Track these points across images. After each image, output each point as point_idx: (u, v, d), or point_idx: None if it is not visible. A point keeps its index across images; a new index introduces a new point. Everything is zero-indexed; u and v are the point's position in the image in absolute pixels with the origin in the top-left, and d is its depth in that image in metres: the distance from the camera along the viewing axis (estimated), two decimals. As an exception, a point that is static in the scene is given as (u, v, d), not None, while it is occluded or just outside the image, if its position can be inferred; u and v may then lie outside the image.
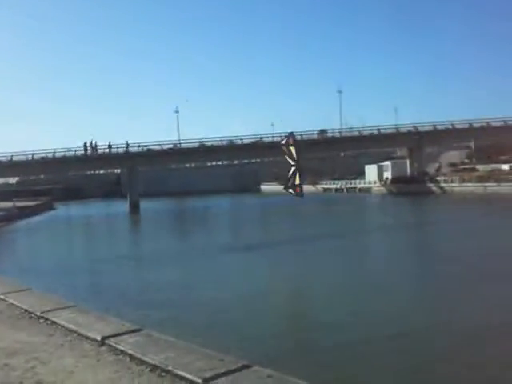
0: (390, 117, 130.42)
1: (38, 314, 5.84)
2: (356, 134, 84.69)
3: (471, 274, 19.01)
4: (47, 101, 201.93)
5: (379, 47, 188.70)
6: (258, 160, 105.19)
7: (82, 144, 75.89)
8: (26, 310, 6.11)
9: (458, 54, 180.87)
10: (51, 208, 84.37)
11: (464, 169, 78.80)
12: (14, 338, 5.13)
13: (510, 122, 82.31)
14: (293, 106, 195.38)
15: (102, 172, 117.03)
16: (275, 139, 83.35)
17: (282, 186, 34.71)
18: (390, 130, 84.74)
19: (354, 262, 24.02)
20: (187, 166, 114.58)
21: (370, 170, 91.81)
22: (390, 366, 10.59)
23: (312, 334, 13.67)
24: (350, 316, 14.44)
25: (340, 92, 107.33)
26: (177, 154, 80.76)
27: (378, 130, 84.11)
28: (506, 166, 72.27)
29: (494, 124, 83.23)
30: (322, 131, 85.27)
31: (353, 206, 63.85)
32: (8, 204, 65.37)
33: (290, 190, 30.00)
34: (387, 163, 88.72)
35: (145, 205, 75.09)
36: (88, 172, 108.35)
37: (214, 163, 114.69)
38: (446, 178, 74.79)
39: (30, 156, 73.54)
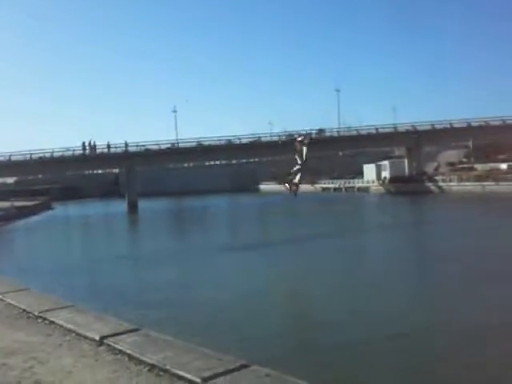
0: (388, 116, 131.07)
1: (36, 313, 5.83)
2: (354, 133, 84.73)
3: (470, 274, 19.00)
4: (47, 100, 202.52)
5: (378, 47, 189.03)
6: (257, 159, 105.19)
7: (81, 144, 76.12)
8: (24, 310, 6.10)
9: (457, 53, 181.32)
10: (49, 208, 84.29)
11: (462, 168, 78.88)
12: (12, 337, 5.12)
13: (508, 121, 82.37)
14: (291, 106, 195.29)
15: (100, 172, 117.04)
16: (273, 139, 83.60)
17: (282, 183, 34.94)
18: (388, 130, 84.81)
19: (352, 261, 24.03)
20: (185, 165, 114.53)
21: (369, 170, 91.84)
22: (390, 366, 10.58)
23: (311, 334, 13.68)
24: (349, 315, 14.44)
25: (338, 91, 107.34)
26: (175, 153, 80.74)
27: (376, 129, 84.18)
28: (504, 166, 72.35)
29: (492, 123, 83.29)
30: (320, 130, 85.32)
31: (351, 206, 63.88)
32: (6, 204, 65.27)
33: (286, 185, 30.12)
34: (385, 162, 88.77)
35: (143, 204, 75.08)
36: (86, 172, 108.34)
37: (212, 163, 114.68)
38: (445, 178, 74.84)
39: (28, 156, 73.52)
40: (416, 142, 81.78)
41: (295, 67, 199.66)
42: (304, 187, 78.94)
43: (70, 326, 5.21)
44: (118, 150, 77.54)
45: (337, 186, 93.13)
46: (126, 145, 77.51)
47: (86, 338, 4.85)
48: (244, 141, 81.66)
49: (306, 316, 16.21)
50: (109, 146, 77.23)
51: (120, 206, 76.16)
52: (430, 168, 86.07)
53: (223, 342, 10.24)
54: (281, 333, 13.37)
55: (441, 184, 73.18)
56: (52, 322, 5.47)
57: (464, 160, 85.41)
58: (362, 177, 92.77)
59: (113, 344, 4.52)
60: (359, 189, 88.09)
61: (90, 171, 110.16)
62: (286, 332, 13.76)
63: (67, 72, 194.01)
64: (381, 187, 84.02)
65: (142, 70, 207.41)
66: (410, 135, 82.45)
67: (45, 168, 78.43)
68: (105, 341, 4.63)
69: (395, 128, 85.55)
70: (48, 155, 74.45)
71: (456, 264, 20.86)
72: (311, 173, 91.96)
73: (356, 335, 12.54)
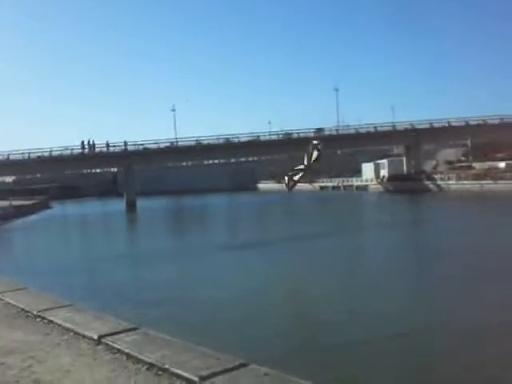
0: (387, 115, 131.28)
1: (35, 312, 5.83)
2: (353, 131, 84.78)
3: (470, 272, 19.00)
4: (47, 100, 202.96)
5: (377, 46, 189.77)
6: (255, 158, 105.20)
7: (80, 143, 76.04)
8: (22, 309, 6.10)
9: (456, 53, 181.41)
10: (47, 207, 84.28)
11: (460, 166, 78.91)
12: (11, 336, 5.12)
13: (506, 120, 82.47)
14: (291, 105, 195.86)
15: (98, 171, 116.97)
16: (272, 138, 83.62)
17: (283, 177, 35.26)
18: (386, 128, 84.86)
19: (351, 260, 24.02)
20: (184, 164, 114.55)
21: (367, 168, 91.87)
22: (390, 366, 10.56)
23: (311, 333, 13.68)
24: (348, 315, 14.43)
25: (337, 90, 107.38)
26: (173, 152, 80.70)
27: (375, 127, 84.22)
28: (502, 164, 72.36)
29: (490, 122, 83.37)
30: (319, 129, 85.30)
31: (349, 204, 63.88)
32: (4, 203, 65.25)
33: (285, 179, 30.31)
34: (384, 161, 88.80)
35: (142, 203, 75.06)
36: (84, 171, 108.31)
37: (210, 162, 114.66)
38: (443, 176, 74.89)
39: (27, 155, 73.45)
40: (414, 140, 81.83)
41: (294, 67, 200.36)
42: (302, 186, 79.38)
43: (68, 325, 5.21)
44: (117, 149, 77.52)
45: (335, 184, 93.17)
46: (125, 144, 77.48)
47: (84, 337, 4.85)
48: (243, 140, 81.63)
49: (305, 315, 16.21)
50: (108, 145, 77.21)
51: (118, 205, 76.10)
52: (428, 166, 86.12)
53: (221, 341, 10.24)
54: (279, 332, 13.36)
55: (439, 182, 73.22)
56: (50, 321, 5.47)
57: (462, 158, 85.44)
58: (361, 175, 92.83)
59: (111, 343, 4.52)
60: (358, 187, 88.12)
61: (89, 170, 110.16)
62: (284, 331, 13.74)
63: (67, 72, 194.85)
64: (379, 186, 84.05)
65: (141, 69, 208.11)
66: (408, 134, 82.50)
67: (43, 167, 78.33)
68: (103, 340, 4.63)
69: (394, 127, 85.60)
70: (46, 154, 74.39)
71: (455, 263, 20.89)
72: (309, 171, 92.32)
73: (355, 335, 12.52)
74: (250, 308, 15.77)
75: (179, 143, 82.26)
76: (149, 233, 44.35)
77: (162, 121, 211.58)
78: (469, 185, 66.43)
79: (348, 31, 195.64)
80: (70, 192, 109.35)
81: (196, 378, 3.52)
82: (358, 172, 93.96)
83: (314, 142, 31.94)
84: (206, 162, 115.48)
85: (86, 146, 75.51)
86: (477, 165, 75.58)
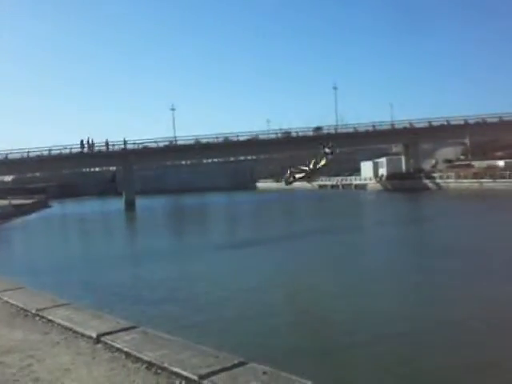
0: (386, 114, 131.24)
1: (34, 311, 5.82)
2: (351, 130, 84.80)
3: (469, 272, 19.03)
4: (46, 100, 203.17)
5: (376, 45, 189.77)
6: (254, 157, 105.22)
7: (79, 142, 75.99)
8: (20, 308, 6.09)
9: (456, 52, 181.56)
10: (46, 206, 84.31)
11: (459, 165, 78.98)
12: (10, 335, 5.12)
13: (505, 119, 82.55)
14: (289, 103, 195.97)
15: (97, 170, 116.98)
16: (271, 136, 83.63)
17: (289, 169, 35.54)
18: (385, 127, 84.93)
19: (350, 259, 23.99)
20: (183, 163, 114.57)
21: (366, 167, 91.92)
22: (390, 366, 10.55)
23: (310, 333, 13.67)
24: (347, 314, 14.44)
25: (335, 89, 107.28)
26: (172, 151, 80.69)
27: (374, 126, 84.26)
28: (501, 163, 72.46)
29: (489, 120, 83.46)
30: (318, 128, 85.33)
31: (347, 203, 63.89)
32: (3, 202, 65.26)
33: (288, 173, 30.49)
34: (383, 160, 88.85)
35: (141, 202, 75.08)
36: (84, 170, 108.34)
37: (209, 160, 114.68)
38: (442, 174, 74.96)
39: (26, 154, 73.42)
40: (413, 139, 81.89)
41: (293, 65, 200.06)
42: (301, 184, 79.32)
43: (67, 324, 5.20)
44: (116, 148, 77.48)
45: (334, 183, 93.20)
46: (125, 142, 77.45)
47: (83, 335, 4.84)
48: (242, 138, 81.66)
49: (305, 313, 16.20)
50: (107, 144, 77.16)
51: (117, 204, 76.12)
52: (427, 165, 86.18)
53: (220, 340, 10.24)
54: (278, 331, 13.36)
55: (438, 181, 73.29)
56: (49, 320, 5.46)
57: (461, 157, 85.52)
58: (360, 174, 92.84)
59: (110, 342, 4.51)
60: (356, 186, 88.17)
61: (88, 169, 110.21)
62: (283, 331, 13.75)
63: (67, 71, 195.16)
64: (378, 184, 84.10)
65: (141, 68, 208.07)
66: (407, 132, 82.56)
67: (42, 166, 78.28)
68: (102, 338, 4.62)
69: (392, 125, 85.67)
70: (45, 153, 74.35)
71: (454, 262, 20.88)
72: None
73: (355, 334, 12.53)
74: (249, 306, 15.76)
75: (178, 142, 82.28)
76: (148, 232, 44.33)
77: (162, 120, 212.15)
78: (468, 183, 66.52)
79: (346, 29, 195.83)
80: (70, 191, 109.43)
81: (195, 377, 3.52)
82: (356, 171, 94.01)
83: (327, 150, 32.08)
84: (204, 161, 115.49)
85: (86, 145, 75.48)
86: (476, 163, 75.66)
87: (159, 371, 3.80)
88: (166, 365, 3.80)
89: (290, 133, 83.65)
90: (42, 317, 5.61)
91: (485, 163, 73.48)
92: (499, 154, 77.21)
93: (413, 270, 20.29)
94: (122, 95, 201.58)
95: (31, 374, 4.03)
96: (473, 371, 9.95)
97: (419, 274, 19.25)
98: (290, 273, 21.61)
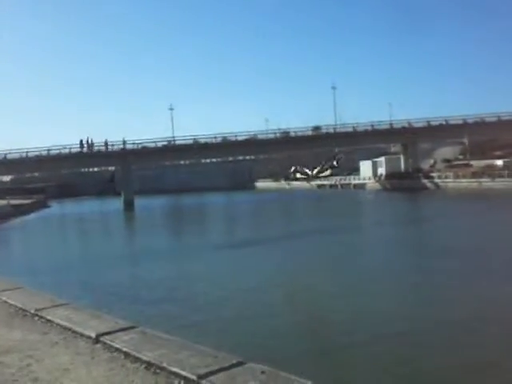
0: (385, 114, 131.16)
1: (32, 311, 5.82)
2: (350, 130, 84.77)
3: (469, 271, 19.03)
4: (46, 100, 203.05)
5: (375, 44, 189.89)
6: (253, 157, 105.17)
7: (78, 142, 75.96)
8: (19, 308, 6.09)
9: (455, 51, 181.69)
10: (45, 206, 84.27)
11: (458, 165, 79.03)
12: (8, 335, 5.12)
13: (503, 118, 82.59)
14: (288, 103, 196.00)
15: (96, 170, 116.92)
16: (269, 136, 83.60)
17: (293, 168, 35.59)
18: (384, 126, 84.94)
19: (349, 259, 24.00)
20: (182, 163, 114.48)
21: (365, 166, 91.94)
22: (389, 366, 10.55)
23: (309, 333, 13.67)
24: (347, 313, 14.44)
25: (334, 88, 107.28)
26: (171, 151, 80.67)
27: (372, 126, 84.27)
28: (499, 162, 72.52)
29: (487, 120, 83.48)
30: (316, 128, 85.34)
31: (346, 203, 63.90)
32: (2, 202, 65.20)
33: (292, 169, 30.61)
34: (381, 159, 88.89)
35: (140, 202, 75.04)
36: (83, 170, 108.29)
37: (208, 160, 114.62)
38: (440, 174, 75.00)
39: (25, 154, 73.36)
40: (412, 138, 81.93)
41: (292, 65, 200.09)
42: (299, 184, 79.29)
43: (66, 323, 5.20)
44: (115, 148, 77.44)
45: (333, 182, 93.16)
46: (124, 142, 77.44)
47: (82, 335, 4.84)
48: (240, 138, 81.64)
49: (303, 314, 16.20)
50: (106, 144, 77.14)
51: (116, 204, 76.10)
52: (425, 164, 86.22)
53: (219, 339, 10.25)
54: (277, 331, 13.36)
55: (437, 180, 73.32)
56: (48, 320, 5.46)
57: (460, 157, 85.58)
58: (359, 173, 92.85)
59: (109, 342, 4.51)
60: (355, 185, 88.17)
61: (87, 169, 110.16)
62: (282, 331, 13.75)
63: (67, 71, 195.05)
64: (377, 184, 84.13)
65: (140, 68, 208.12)
66: (405, 132, 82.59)
67: (41, 166, 78.22)
68: (101, 338, 4.63)
69: (391, 125, 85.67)
70: (44, 153, 74.31)
71: (453, 262, 20.89)
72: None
73: (354, 334, 12.53)
74: (248, 306, 15.76)
75: (177, 142, 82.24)
76: (146, 231, 44.33)
77: (161, 119, 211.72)
78: (466, 183, 66.56)
79: (346, 29, 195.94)
80: (68, 191, 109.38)
81: (194, 377, 3.52)
82: (355, 170, 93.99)
83: (335, 163, 32.31)
84: (203, 161, 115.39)
85: (85, 145, 75.46)
86: (474, 163, 75.71)
87: (158, 371, 3.80)
88: (164, 365, 3.81)
89: (288, 133, 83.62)
90: (41, 317, 5.61)
91: (483, 163, 73.53)
92: (498, 153, 77.27)
93: (412, 270, 20.29)
94: (121, 95, 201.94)
95: (30, 374, 4.03)
96: (472, 371, 9.94)
97: (418, 274, 19.24)
98: (288, 273, 21.58)
